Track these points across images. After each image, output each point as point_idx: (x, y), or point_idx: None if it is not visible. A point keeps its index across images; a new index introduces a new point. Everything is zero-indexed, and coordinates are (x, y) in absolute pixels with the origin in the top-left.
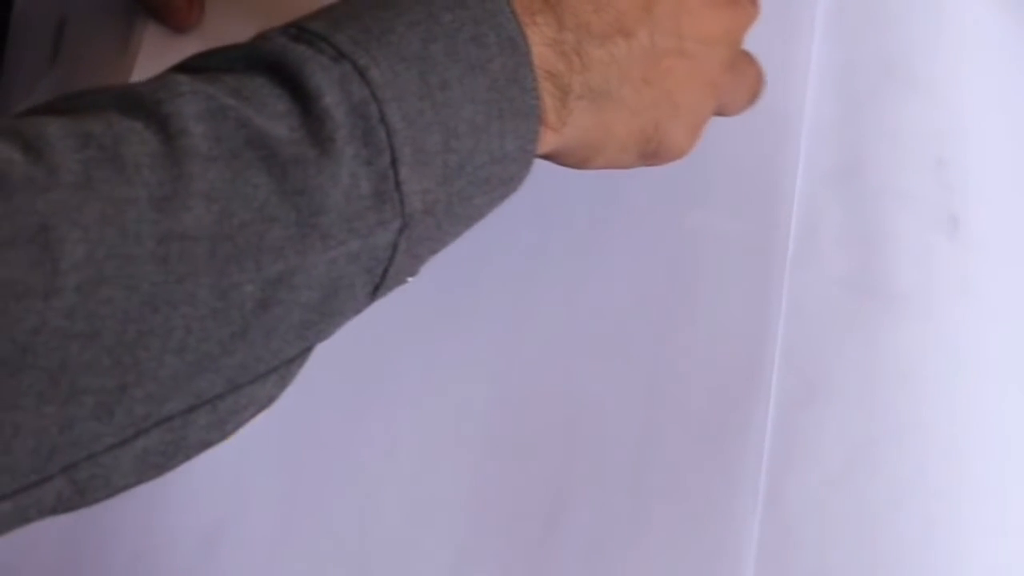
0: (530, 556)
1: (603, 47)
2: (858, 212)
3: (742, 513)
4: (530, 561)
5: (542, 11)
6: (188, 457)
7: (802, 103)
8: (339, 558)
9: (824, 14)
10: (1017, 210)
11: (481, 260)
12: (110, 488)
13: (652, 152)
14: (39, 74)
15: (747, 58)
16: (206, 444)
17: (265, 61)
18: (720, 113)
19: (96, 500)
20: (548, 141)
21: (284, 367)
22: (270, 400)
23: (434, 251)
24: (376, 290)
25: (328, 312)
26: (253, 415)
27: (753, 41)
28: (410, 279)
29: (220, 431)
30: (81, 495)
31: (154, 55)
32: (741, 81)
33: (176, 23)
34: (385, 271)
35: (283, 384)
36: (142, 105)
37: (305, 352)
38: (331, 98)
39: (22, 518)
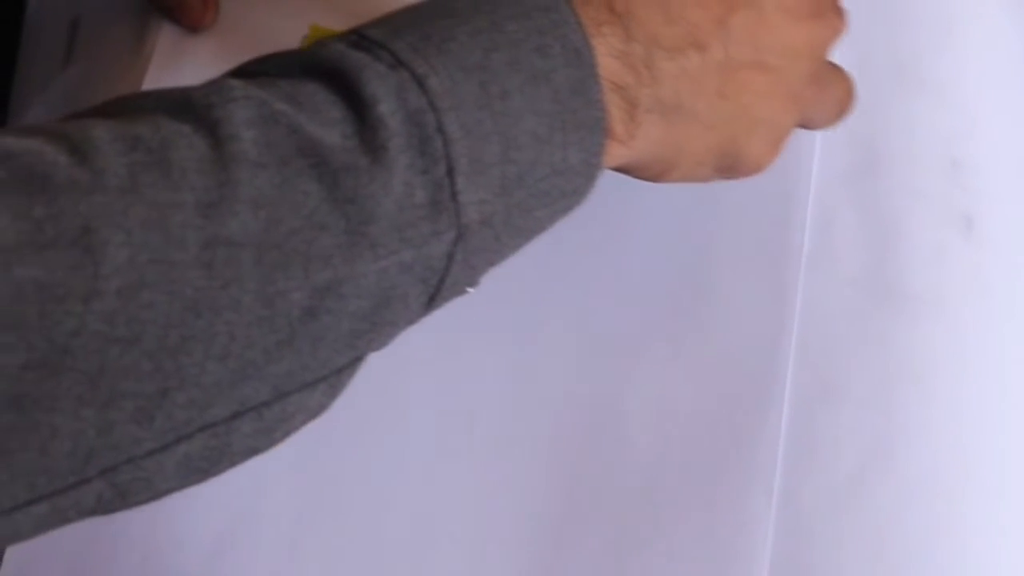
0: (544, 558)
1: (674, 60)
2: (872, 212)
3: (757, 513)
4: (545, 563)
5: (609, 22)
6: (233, 463)
7: None
8: (350, 563)
9: None
10: None
11: None
12: (152, 492)
13: (729, 166)
14: (52, 74)
15: (834, 71)
16: (253, 451)
17: (321, 67)
18: (805, 126)
19: (139, 503)
20: (616, 154)
21: (333, 376)
22: (321, 408)
23: (493, 263)
24: (432, 300)
25: (379, 322)
26: (302, 423)
27: None
28: (470, 290)
29: (267, 438)
30: (122, 498)
31: (168, 55)
32: (826, 95)
33: (190, 23)
34: (441, 281)
35: (333, 393)
36: (192, 109)
37: (355, 361)
38: (386, 106)
39: (61, 519)
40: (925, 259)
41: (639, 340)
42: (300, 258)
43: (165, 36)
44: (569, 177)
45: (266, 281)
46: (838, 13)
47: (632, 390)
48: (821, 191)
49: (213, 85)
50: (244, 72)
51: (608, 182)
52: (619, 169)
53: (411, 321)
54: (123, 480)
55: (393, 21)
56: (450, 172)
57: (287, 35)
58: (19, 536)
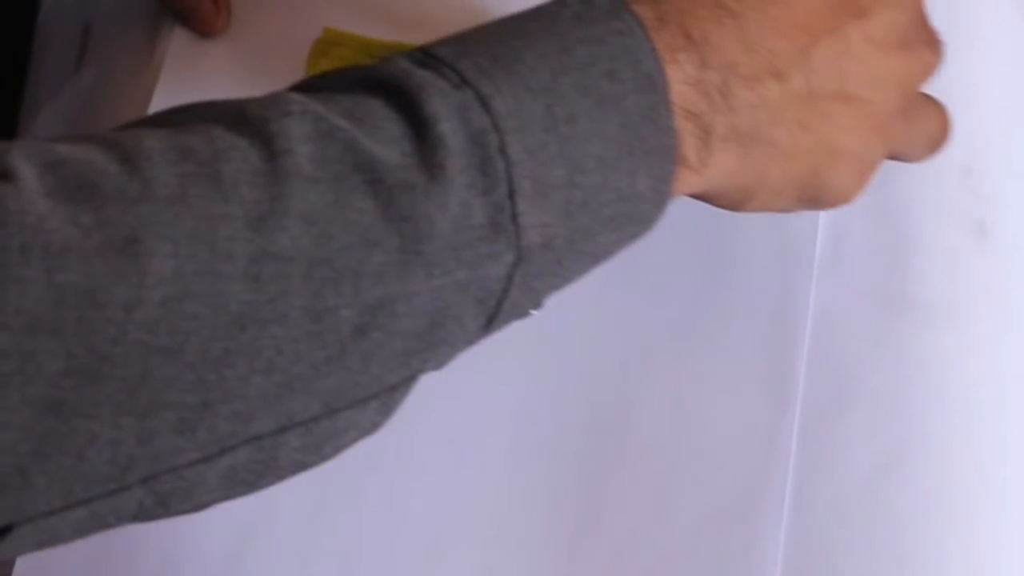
0: (554, 564)
1: (752, 89)
2: (885, 220)
3: (769, 522)
4: (555, 569)
5: (685, 49)
6: (281, 478)
7: None
8: (366, 567)
9: None
10: None
11: None
12: (195, 502)
13: (812, 197)
14: (64, 79)
15: (927, 104)
16: (301, 466)
17: (384, 83)
18: (896, 159)
19: (181, 512)
20: (689, 182)
21: (386, 394)
22: (373, 426)
23: (556, 287)
24: (490, 322)
25: (433, 341)
26: (354, 440)
27: None
28: (534, 312)
29: (317, 454)
30: (164, 506)
31: (181, 60)
32: (917, 128)
33: (203, 28)
34: (499, 304)
35: (386, 411)
36: (248, 122)
37: (409, 380)
38: (447, 125)
39: (100, 524)
40: (938, 267)
41: (651, 348)
42: (351, 274)
43: (177, 41)
44: (636, 203)
45: (315, 297)
46: (931, 46)
47: (644, 398)
48: None
49: (272, 98)
50: (307, 86)
51: None
52: (694, 196)
53: (469, 342)
54: (164, 489)
55: (462, 40)
56: (511, 194)
57: (300, 39)
58: (57, 540)
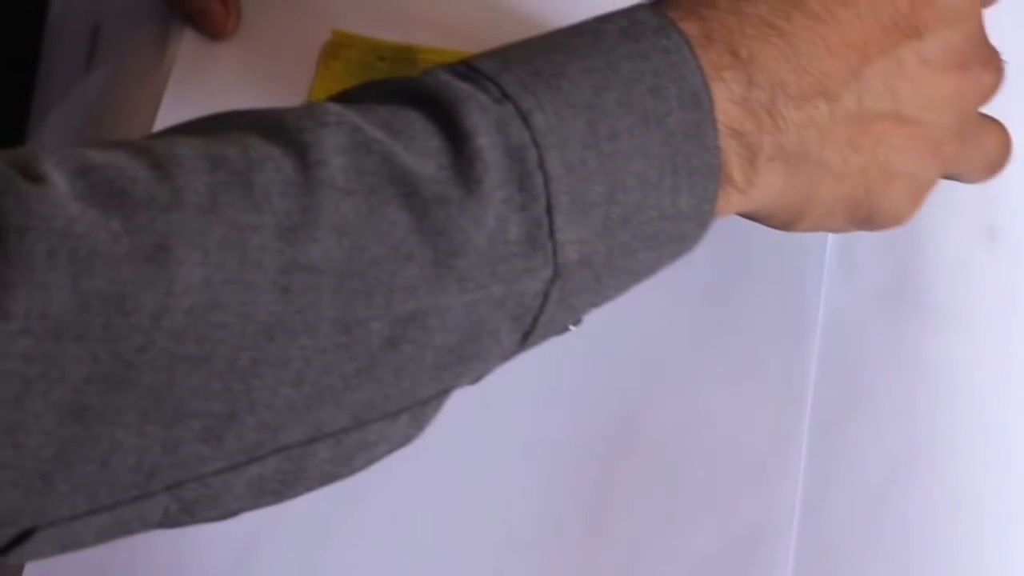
0: (565, 566)
1: (800, 108)
2: None
3: (779, 527)
4: (565, 572)
5: (732, 67)
6: (309, 488)
7: None
8: (374, 568)
9: None
10: None
11: None
12: (221, 510)
13: (864, 218)
14: (73, 80)
15: (985, 125)
16: (331, 477)
17: (424, 96)
18: (952, 179)
19: (208, 520)
20: (734, 201)
21: (417, 408)
22: (406, 439)
23: (595, 304)
24: (527, 337)
25: (467, 355)
26: (386, 453)
27: None
28: (572, 327)
29: (347, 466)
30: (189, 514)
31: (190, 62)
32: (974, 150)
33: (213, 30)
34: (535, 319)
35: (418, 425)
36: (284, 131)
37: (442, 394)
38: (486, 139)
39: (124, 530)
40: (948, 271)
41: (661, 351)
42: (382, 287)
43: (187, 43)
44: (678, 222)
45: (345, 309)
46: (990, 67)
47: (654, 401)
48: None
49: (309, 108)
50: (345, 97)
51: None
52: (743, 215)
53: (504, 357)
54: (190, 496)
55: (505, 53)
56: (549, 210)
57: (309, 41)
58: (80, 545)
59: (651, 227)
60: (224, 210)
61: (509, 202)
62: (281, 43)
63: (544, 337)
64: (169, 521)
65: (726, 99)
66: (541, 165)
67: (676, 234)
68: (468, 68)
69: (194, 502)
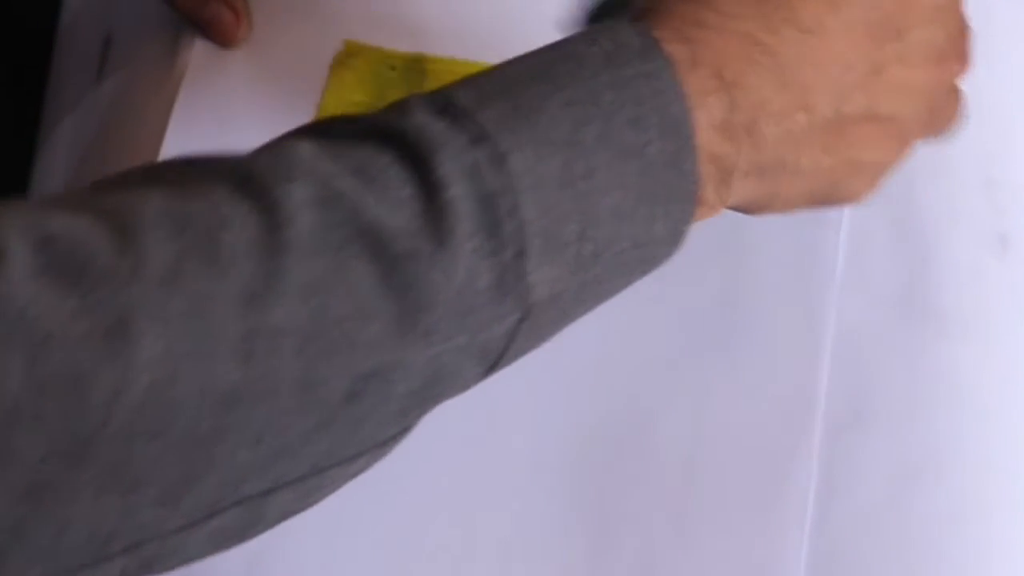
0: None
1: (780, 124)
2: (906, 232)
3: (790, 537)
4: None
5: (716, 91)
6: (268, 527)
7: None
8: (387, 572)
9: None
10: None
11: None
12: (180, 559)
13: (822, 204)
14: (85, 90)
15: (948, 100)
16: (287, 515)
17: (399, 138)
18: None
19: (167, 570)
20: (705, 216)
21: (377, 448)
22: (362, 471)
23: (559, 331)
24: (491, 371)
25: (429, 397)
26: (342, 485)
27: None
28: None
29: (303, 503)
30: (148, 568)
31: (201, 71)
32: (937, 125)
33: (223, 39)
34: (500, 356)
35: (377, 459)
36: (253, 184)
37: (402, 433)
38: (458, 189)
39: None
40: (960, 279)
41: (671, 360)
42: (346, 345)
43: (198, 52)
44: (652, 248)
45: (307, 369)
46: (962, 57)
47: (664, 409)
48: (855, 211)
49: (280, 155)
50: (321, 131)
51: None
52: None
53: (466, 389)
54: (148, 554)
55: (486, 83)
56: (522, 253)
57: (320, 50)
58: None
59: (624, 256)
60: (187, 279)
61: (479, 251)
62: (292, 53)
63: (507, 365)
64: None
65: (707, 125)
66: (515, 210)
67: (648, 258)
68: (446, 102)
69: (153, 558)
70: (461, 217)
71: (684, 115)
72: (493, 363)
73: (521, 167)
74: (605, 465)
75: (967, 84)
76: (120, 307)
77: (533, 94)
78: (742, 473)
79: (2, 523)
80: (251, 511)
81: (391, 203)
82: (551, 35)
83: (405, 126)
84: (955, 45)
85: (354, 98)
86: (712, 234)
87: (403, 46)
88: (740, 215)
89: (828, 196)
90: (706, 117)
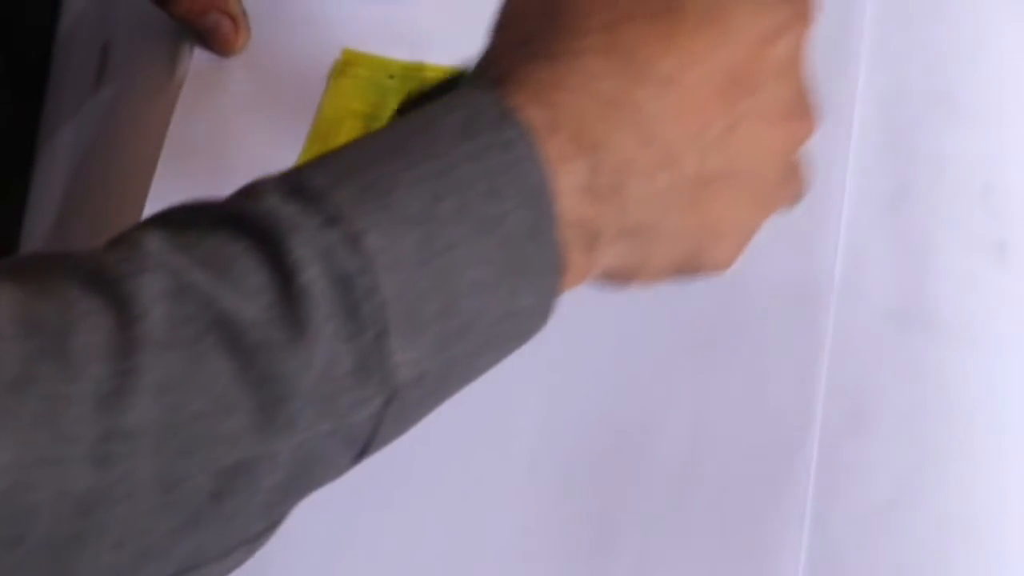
0: None
1: (645, 184)
2: (904, 240)
3: (788, 542)
4: None
5: (577, 155)
6: None
7: (848, 131)
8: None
9: (870, 43)
10: None
11: None
12: None
13: (691, 272)
14: (83, 97)
15: (797, 167)
16: None
17: (250, 225)
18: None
19: None
20: (574, 284)
21: (249, 544)
22: (235, 566)
23: (431, 411)
24: (361, 455)
25: (298, 488)
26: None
27: None
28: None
29: None
30: None
31: (200, 80)
32: (790, 190)
33: (222, 48)
34: (369, 441)
35: (251, 553)
36: (104, 279)
37: (275, 524)
38: (312, 272)
39: None
40: (957, 287)
41: (670, 368)
42: (205, 442)
43: (197, 60)
44: (518, 321)
45: (166, 468)
46: (811, 115)
47: (662, 416)
48: (852, 219)
49: (130, 247)
50: (170, 221)
51: None
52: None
53: (339, 475)
54: None
55: (338, 162)
56: (382, 335)
57: (319, 59)
58: None
59: (490, 331)
60: (38, 383)
61: (338, 335)
62: (291, 61)
63: (379, 449)
64: None
65: (569, 190)
66: (373, 291)
67: (515, 332)
68: (297, 184)
69: None
70: (317, 301)
71: (543, 183)
72: (363, 448)
73: (377, 246)
74: (605, 469)
75: (966, 92)
76: None
77: (387, 171)
78: (740, 477)
79: None
80: None
81: (245, 292)
82: None
83: (256, 211)
84: (803, 102)
85: (352, 106)
86: None
87: (402, 55)
88: None
89: (695, 262)
90: (568, 182)
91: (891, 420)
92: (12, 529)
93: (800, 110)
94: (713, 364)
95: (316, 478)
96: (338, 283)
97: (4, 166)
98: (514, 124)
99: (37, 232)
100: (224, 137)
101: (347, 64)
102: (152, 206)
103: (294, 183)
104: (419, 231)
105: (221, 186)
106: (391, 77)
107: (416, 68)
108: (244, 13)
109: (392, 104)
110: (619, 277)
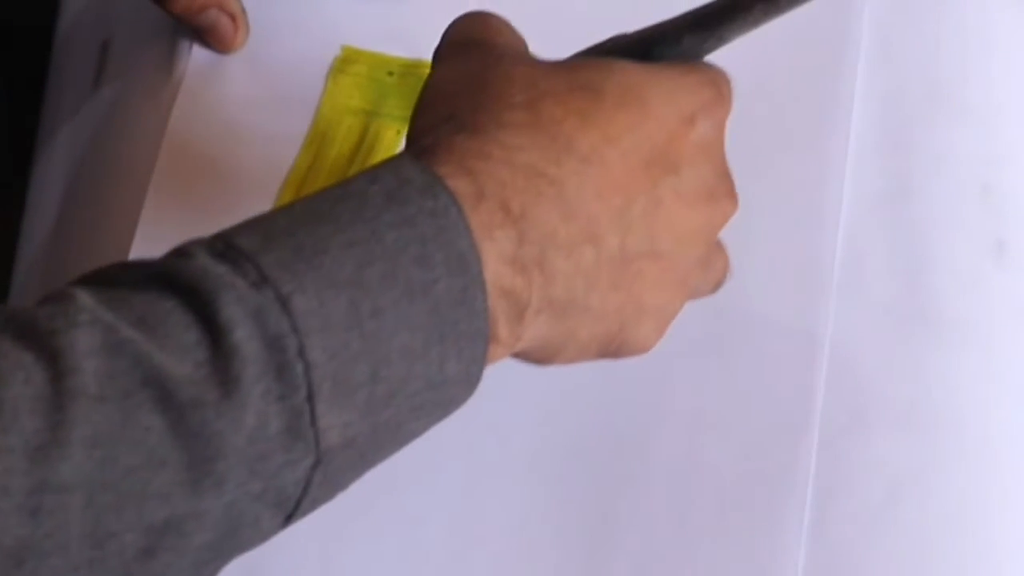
0: None
1: (570, 258)
2: (903, 238)
3: (787, 541)
4: None
5: (503, 225)
6: None
7: (847, 130)
8: None
9: (869, 41)
10: None
11: None
12: None
13: (614, 350)
14: (82, 96)
15: (719, 250)
16: None
17: (181, 284)
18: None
19: None
20: (500, 355)
21: None
22: None
23: (360, 475)
24: (290, 519)
25: (228, 549)
26: None
27: (799, 69)
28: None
29: None
30: None
31: (199, 77)
32: (711, 275)
33: (221, 45)
34: (298, 503)
35: None
36: (36, 334)
37: None
38: (243, 332)
39: None
40: (957, 285)
41: (669, 366)
42: (135, 497)
43: (196, 58)
44: (446, 389)
45: (97, 523)
46: (731, 196)
47: (662, 416)
48: (852, 217)
49: (62, 303)
50: (102, 280)
51: None
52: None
53: (267, 539)
54: None
55: (268, 226)
56: (310, 397)
57: (319, 56)
58: None
59: (418, 398)
60: None
61: (268, 395)
62: (290, 59)
63: (308, 513)
64: None
65: (496, 259)
66: (301, 353)
67: (443, 400)
68: (227, 246)
69: None
70: (248, 360)
71: (471, 250)
72: (291, 511)
73: (305, 308)
74: (604, 469)
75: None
76: None
77: (315, 235)
78: (740, 477)
79: None
80: None
81: (175, 350)
82: (545, 43)
83: (187, 270)
84: (723, 181)
85: (352, 104)
86: None
87: (401, 52)
88: (740, 219)
89: (618, 340)
90: (495, 251)
91: (890, 418)
92: None
93: (720, 191)
94: (712, 362)
95: (244, 540)
96: (268, 343)
97: (4, 166)
98: (440, 192)
99: (36, 232)
100: (223, 134)
101: (346, 61)
102: (152, 204)
103: (223, 245)
104: (347, 295)
105: (221, 185)
106: (390, 74)
107: (415, 65)
108: (243, 10)
109: (391, 102)
110: (543, 352)
